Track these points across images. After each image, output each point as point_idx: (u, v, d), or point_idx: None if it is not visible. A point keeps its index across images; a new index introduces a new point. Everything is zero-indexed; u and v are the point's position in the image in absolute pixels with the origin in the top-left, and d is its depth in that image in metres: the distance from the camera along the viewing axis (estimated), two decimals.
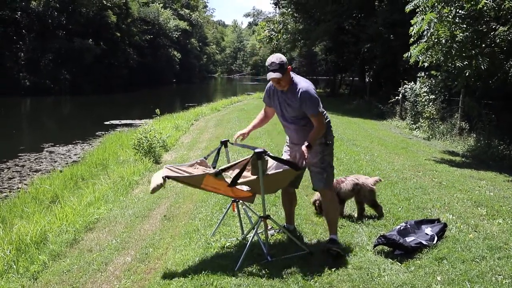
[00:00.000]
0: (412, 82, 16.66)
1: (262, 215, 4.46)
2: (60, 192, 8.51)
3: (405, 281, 3.98)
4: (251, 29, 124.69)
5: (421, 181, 7.76)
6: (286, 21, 33.64)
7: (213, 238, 5.04)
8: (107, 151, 12.46)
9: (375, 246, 4.65)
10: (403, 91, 17.84)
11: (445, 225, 5.08)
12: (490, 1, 9.35)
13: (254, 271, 4.19)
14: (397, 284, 3.94)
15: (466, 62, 9.93)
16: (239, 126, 15.64)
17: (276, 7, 38.51)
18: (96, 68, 46.11)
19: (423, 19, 9.83)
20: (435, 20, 9.62)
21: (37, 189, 8.92)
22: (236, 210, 5.02)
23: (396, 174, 8.18)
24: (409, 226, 4.88)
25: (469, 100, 13.24)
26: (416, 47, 10.44)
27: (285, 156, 4.76)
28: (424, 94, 15.70)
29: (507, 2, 9.39)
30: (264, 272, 4.16)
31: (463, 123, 13.79)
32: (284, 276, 4.07)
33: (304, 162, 4.37)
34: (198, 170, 4.59)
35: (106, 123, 22.10)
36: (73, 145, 15.84)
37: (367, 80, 31.93)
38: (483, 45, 10.02)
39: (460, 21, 9.92)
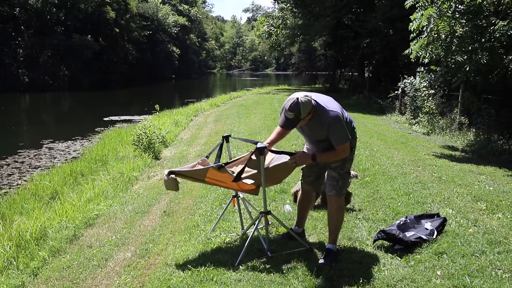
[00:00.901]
0: (412, 77, 16.63)
1: (262, 210, 4.46)
2: (60, 188, 8.52)
3: (405, 276, 3.98)
4: (250, 24, 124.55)
5: (421, 176, 7.76)
6: (285, 16, 33.60)
7: (213, 234, 5.04)
8: (107, 147, 12.46)
9: (374, 241, 4.66)
10: (402, 86, 17.82)
11: (444, 220, 5.09)
12: None
13: (254, 266, 4.19)
14: (397, 278, 3.94)
15: (466, 57, 9.92)
16: (239, 121, 15.66)
17: (275, 2, 38.40)
18: (95, 64, 46.13)
19: (422, 14, 9.82)
20: (435, 15, 9.61)
21: (36, 186, 8.92)
22: (236, 205, 5.02)
23: (395, 169, 8.18)
24: (408, 221, 4.88)
25: (469, 95, 13.23)
26: (416, 43, 10.43)
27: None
28: (423, 89, 15.68)
29: None
30: (264, 267, 4.16)
31: (463, 118, 13.78)
32: (284, 271, 4.07)
33: (296, 164, 4.30)
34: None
35: (105, 119, 22.08)
36: (72, 141, 15.82)
37: (366, 75, 31.90)
38: (483, 40, 10.00)
39: (460, 16, 9.91)
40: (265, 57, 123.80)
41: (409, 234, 4.64)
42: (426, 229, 4.82)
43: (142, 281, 4.10)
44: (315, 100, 4.10)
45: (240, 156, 4.86)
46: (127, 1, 53.91)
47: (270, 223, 5.01)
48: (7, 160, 12.73)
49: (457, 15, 9.87)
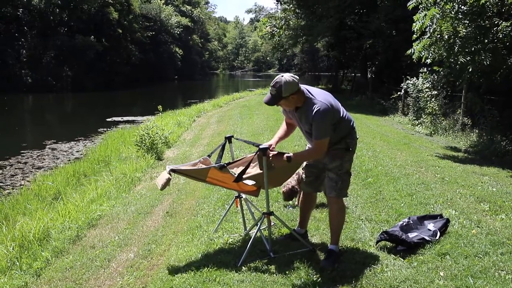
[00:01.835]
0: (415, 78, 16.62)
1: (265, 211, 4.46)
2: (63, 189, 8.53)
3: (408, 277, 3.98)
4: (253, 25, 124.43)
5: (424, 176, 7.75)
6: (288, 17, 33.56)
7: (216, 234, 5.04)
8: (109, 148, 12.47)
9: (377, 242, 4.66)
10: (405, 87, 17.79)
11: (447, 221, 5.08)
12: None
13: (256, 267, 4.19)
14: (399, 279, 3.94)
15: (469, 58, 9.90)
16: (241, 122, 15.66)
17: (277, 3, 38.50)
18: (98, 65, 46.14)
19: (425, 15, 9.81)
20: (438, 16, 9.59)
21: (39, 186, 8.94)
22: (239, 206, 5.02)
23: (398, 170, 8.17)
24: (411, 222, 4.88)
25: (472, 96, 13.20)
26: (419, 43, 10.42)
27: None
28: (426, 89, 15.66)
29: None
30: (266, 268, 4.16)
31: (466, 118, 13.77)
32: (287, 272, 4.07)
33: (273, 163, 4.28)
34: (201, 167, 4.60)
35: (108, 119, 22.11)
36: (75, 142, 15.85)
37: (369, 76, 31.87)
38: (486, 41, 9.97)
39: (463, 16, 9.89)
40: (268, 58, 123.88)
41: (412, 235, 4.63)
42: (429, 230, 4.82)
43: (144, 282, 4.11)
44: (306, 89, 4.11)
45: (242, 157, 4.86)
46: (130, 2, 53.91)
47: (272, 224, 5.01)
48: (10, 160, 12.76)
49: (460, 16, 9.85)
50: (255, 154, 4.33)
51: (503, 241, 4.71)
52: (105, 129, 18.53)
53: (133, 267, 4.46)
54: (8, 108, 28.18)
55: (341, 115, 4.18)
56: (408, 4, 10.52)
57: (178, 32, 71.73)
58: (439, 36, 10.05)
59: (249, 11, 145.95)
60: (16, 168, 11.93)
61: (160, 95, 43.07)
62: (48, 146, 15.02)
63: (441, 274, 4.03)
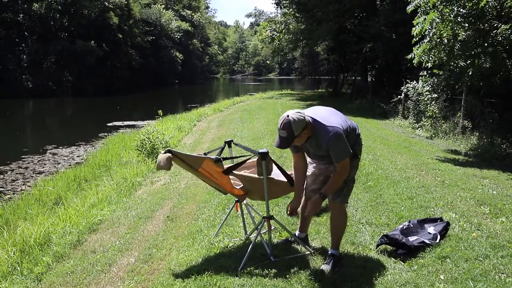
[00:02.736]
0: (415, 81, 16.64)
1: (265, 215, 4.47)
2: (64, 193, 8.55)
3: (408, 280, 3.98)
4: (253, 29, 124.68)
5: (424, 180, 7.76)
6: (288, 21, 33.60)
7: (216, 239, 5.04)
8: (110, 153, 12.50)
9: (378, 245, 4.66)
10: (405, 90, 17.81)
11: (448, 224, 5.09)
12: (491, 0, 9.34)
13: (257, 271, 4.19)
14: (400, 283, 3.94)
15: (469, 61, 9.92)
16: (242, 126, 15.66)
17: (277, 7, 38.47)
18: (98, 69, 46.25)
19: (425, 19, 9.83)
20: (437, 19, 9.61)
21: (40, 191, 8.96)
22: (239, 210, 5.03)
23: (398, 173, 8.18)
24: (412, 225, 4.88)
25: (472, 99, 13.22)
26: (419, 47, 10.44)
27: (310, 169, 4.55)
28: (426, 93, 15.68)
29: (509, 1, 9.38)
30: (267, 272, 4.16)
31: (466, 121, 13.78)
32: (287, 276, 4.07)
33: (310, 209, 4.26)
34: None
35: (108, 124, 22.15)
36: (76, 147, 15.88)
37: (369, 79, 31.88)
38: (486, 44, 9.99)
39: (462, 20, 9.91)
40: (268, 62, 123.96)
41: (412, 238, 4.63)
42: (429, 233, 4.82)
43: (145, 286, 4.11)
44: (311, 117, 4.00)
45: (244, 159, 4.87)
46: (130, 7, 54.04)
47: (273, 228, 5.01)
48: (11, 165, 12.78)
49: (460, 19, 9.87)
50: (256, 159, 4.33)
51: (503, 244, 4.71)
52: (105, 134, 18.57)
53: (134, 272, 4.46)
54: (9, 113, 28.22)
55: (348, 128, 4.15)
56: (407, 8, 10.54)
57: (178, 37, 71.79)
58: (438, 40, 10.06)
59: (249, 15, 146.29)
60: (17, 173, 11.95)
61: (161, 99, 43.12)
62: (49, 151, 15.04)
63: (442, 277, 4.04)
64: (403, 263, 4.33)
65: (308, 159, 4.51)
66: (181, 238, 5.24)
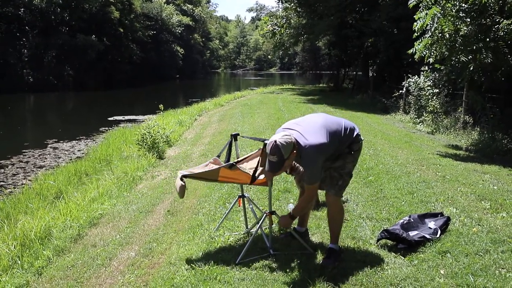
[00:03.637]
0: (416, 76, 16.61)
1: (267, 210, 4.47)
2: (64, 187, 8.55)
3: (409, 275, 3.98)
4: (254, 24, 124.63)
5: (425, 175, 7.75)
6: (289, 15, 33.55)
7: (217, 233, 5.04)
8: (111, 147, 12.49)
9: (378, 240, 4.66)
10: (406, 85, 17.79)
11: (448, 219, 5.08)
12: None
13: (257, 265, 4.19)
14: (400, 277, 3.94)
15: (471, 56, 9.90)
16: (243, 121, 15.66)
17: (279, 2, 38.34)
18: (99, 64, 46.21)
19: (426, 14, 9.80)
20: (439, 14, 9.58)
21: (41, 185, 8.96)
22: (242, 205, 5.03)
23: (399, 168, 8.17)
24: (412, 220, 4.88)
25: (473, 94, 13.20)
26: (420, 42, 10.41)
27: None
28: (428, 88, 15.66)
29: None
30: (267, 266, 4.17)
31: (467, 117, 13.76)
32: (288, 271, 4.07)
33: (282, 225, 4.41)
34: (213, 167, 4.61)
35: (109, 119, 22.14)
36: (76, 141, 15.88)
37: (370, 74, 31.85)
38: (487, 39, 9.97)
39: (464, 15, 9.89)
40: (269, 57, 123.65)
41: (412, 233, 4.63)
42: (430, 228, 4.82)
43: (146, 280, 4.12)
44: (299, 133, 4.02)
45: (248, 154, 4.88)
46: (131, 1, 53.93)
47: (273, 225, 5.00)
48: (12, 159, 12.78)
49: (461, 14, 9.85)
50: (262, 149, 4.33)
51: (503, 239, 4.71)
52: (106, 128, 18.55)
53: (134, 266, 4.47)
54: (10, 107, 28.22)
55: (342, 134, 4.17)
56: (409, 3, 10.51)
57: (180, 31, 71.68)
58: (440, 35, 10.04)
59: (250, 10, 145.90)
60: (17, 167, 11.95)
61: (162, 94, 43.09)
62: (49, 145, 15.05)
63: (442, 272, 4.04)
64: (403, 258, 4.33)
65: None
66: (182, 232, 5.24)
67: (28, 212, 7.16)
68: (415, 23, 10.19)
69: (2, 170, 11.59)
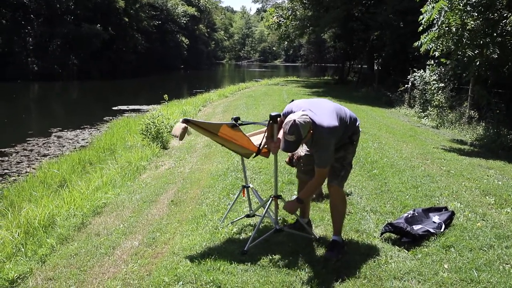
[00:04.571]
0: (422, 70, 16.54)
1: (273, 194, 4.47)
2: (68, 176, 8.56)
3: (412, 269, 3.97)
4: (260, 15, 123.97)
5: (429, 169, 7.73)
6: (295, 7, 33.44)
7: (221, 223, 5.04)
8: (115, 136, 12.50)
9: (382, 233, 4.65)
10: (412, 79, 17.73)
11: (452, 213, 5.07)
12: None
13: (261, 256, 4.19)
14: (404, 271, 3.94)
15: (477, 51, 9.85)
16: (247, 112, 15.63)
17: None
18: (104, 53, 46.30)
19: (433, 7, 9.74)
20: (446, 8, 9.52)
21: (45, 173, 8.97)
22: (246, 195, 5.02)
23: (404, 162, 8.15)
24: (416, 214, 4.86)
25: (479, 89, 13.14)
26: (426, 35, 10.36)
27: (304, 149, 4.63)
28: (433, 82, 15.60)
29: None
30: (271, 257, 4.16)
31: (472, 111, 13.72)
32: (291, 262, 4.07)
33: (288, 211, 4.33)
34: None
35: (114, 108, 22.15)
36: (81, 130, 15.90)
37: (375, 67, 31.76)
38: (494, 34, 9.91)
39: (471, 9, 9.82)
40: (274, 48, 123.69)
41: (416, 227, 4.62)
42: (434, 222, 4.80)
43: (149, 270, 4.12)
44: (311, 116, 3.99)
45: (256, 131, 4.90)
46: None
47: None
48: (16, 148, 12.81)
49: (469, 8, 9.78)
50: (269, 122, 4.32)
51: (508, 235, 4.70)
52: (110, 118, 18.56)
53: (138, 255, 4.47)
54: (15, 96, 28.26)
55: (348, 120, 4.20)
56: None
57: (185, 22, 71.60)
58: (447, 28, 9.98)
59: (256, 1, 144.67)
60: (22, 156, 11.98)
61: (166, 84, 43.11)
62: (54, 134, 15.07)
63: (446, 266, 4.03)
64: (407, 252, 4.32)
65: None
66: (185, 223, 5.24)
67: (32, 200, 7.17)
68: (421, 16, 10.14)
69: (7, 158, 11.62)
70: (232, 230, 4.86)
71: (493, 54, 9.47)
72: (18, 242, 5.12)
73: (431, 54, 10.72)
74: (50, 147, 13.16)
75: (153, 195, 6.60)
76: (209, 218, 5.27)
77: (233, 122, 4.38)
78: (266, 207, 4.54)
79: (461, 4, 9.68)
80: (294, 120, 3.84)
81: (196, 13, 77.76)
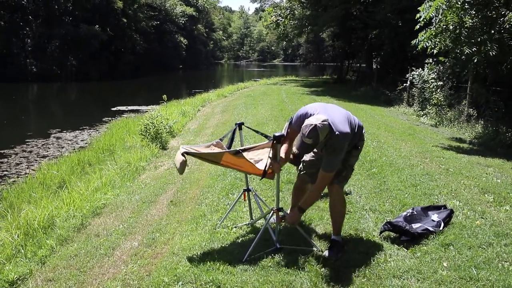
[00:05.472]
0: (420, 69, 16.54)
1: (274, 207, 4.42)
2: (67, 177, 8.55)
3: (411, 267, 3.98)
4: (258, 15, 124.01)
5: (428, 167, 7.74)
6: (293, 6, 33.42)
7: (220, 224, 5.04)
8: (114, 137, 12.49)
9: (381, 232, 4.66)
10: (410, 77, 17.73)
11: (451, 212, 5.08)
12: None
13: (260, 256, 4.19)
14: (403, 269, 3.94)
15: (475, 49, 9.84)
16: (246, 112, 15.65)
17: None
18: (102, 54, 46.18)
19: (431, 5, 9.74)
20: (444, 6, 9.52)
21: (44, 175, 8.96)
22: (247, 199, 5.00)
23: (403, 161, 8.16)
24: (415, 213, 4.87)
25: (477, 87, 13.14)
26: (424, 33, 10.35)
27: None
28: (432, 80, 15.60)
29: None
30: (270, 257, 4.17)
31: (471, 109, 13.71)
32: (291, 262, 4.07)
33: (289, 222, 4.34)
34: (215, 150, 4.58)
35: (113, 109, 22.14)
36: (80, 131, 15.89)
37: (374, 66, 31.75)
38: (492, 32, 9.90)
39: (469, 7, 9.82)
40: (273, 48, 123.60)
41: (415, 225, 4.63)
42: (433, 220, 4.81)
43: (148, 270, 4.13)
44: (330, 121, 3.97)
45: (252, 145, 4.84)
46: None
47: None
48: (15, 149, 12.80)
49: (466, 6, 9.77)
50: (269, 142, 4.31)
51: (507, 232, 4.71)
52: (109, 118, 18.55)
53: (137, 256, 4.48)
54: (14, 97, 28.24)
55: (356, 128, 4.21)
56: None
57: (183, 22, 71.51)
58: (444, 26, 9.98)
59: (254, 1, 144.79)
60: (21, 157, 11.97)
61: (165, 84, 43.08)
62: (53, 135, 15.06)
63: (445, 264, 4.04)
64: (406, 250, 4.33)
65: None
66: (185, 223, 5.25)
67: (31, 201, 7.17)
68: (418, 14, 10.14)
69: (6, 160, 11.62)
70: (231, 230, 4.86)
71: (491, 51, 9.46)
72: (18, 243, 5.12)
73: (428, 51, 10.71)
74: (49, 148, 13.16)
75: (153, 196, 6.60)
76: (209, 218, 5.28)
77: (236, 149, 4.36)
78: (267, 221, 4.52)
79: (459, 2, 9.67)
80: (316, 125, 3.84)
81: (194, 13, 77.68)
